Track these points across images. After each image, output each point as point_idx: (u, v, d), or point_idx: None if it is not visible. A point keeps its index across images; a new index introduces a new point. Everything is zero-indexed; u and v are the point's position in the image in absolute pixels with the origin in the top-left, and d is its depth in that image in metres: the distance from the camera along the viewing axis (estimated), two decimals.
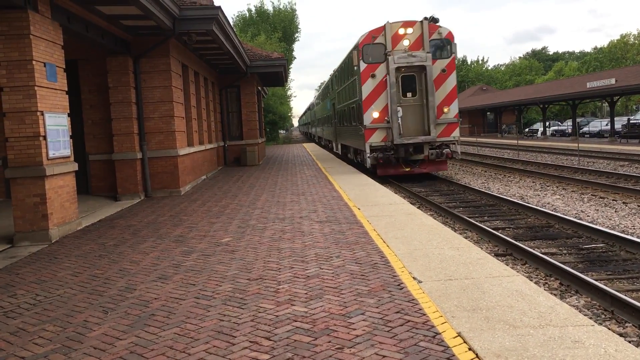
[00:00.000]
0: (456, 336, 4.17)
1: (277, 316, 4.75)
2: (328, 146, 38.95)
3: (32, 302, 5.62)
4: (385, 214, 9.68)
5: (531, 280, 6.48)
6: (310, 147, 41.44)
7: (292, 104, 68.88)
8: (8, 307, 5.47)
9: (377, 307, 4.84)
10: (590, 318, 5.72)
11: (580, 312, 5.39)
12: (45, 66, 8.99)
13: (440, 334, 4.22)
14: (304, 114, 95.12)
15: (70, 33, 10.64)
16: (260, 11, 58.14)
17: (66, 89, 9.79)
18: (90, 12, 11.12)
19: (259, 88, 29.41)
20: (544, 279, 7.30)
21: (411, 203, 12.90)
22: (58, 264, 7.26)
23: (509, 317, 4.47)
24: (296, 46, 60.39)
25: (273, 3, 62.11)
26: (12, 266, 7.34)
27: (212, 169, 21.02)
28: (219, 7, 13.54)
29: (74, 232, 9.62)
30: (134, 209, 12.14)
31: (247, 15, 58.17)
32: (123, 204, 13.10)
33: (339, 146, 31.83)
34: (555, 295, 6.47)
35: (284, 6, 59.65)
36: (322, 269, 6.23)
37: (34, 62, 8.65)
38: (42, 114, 8.83)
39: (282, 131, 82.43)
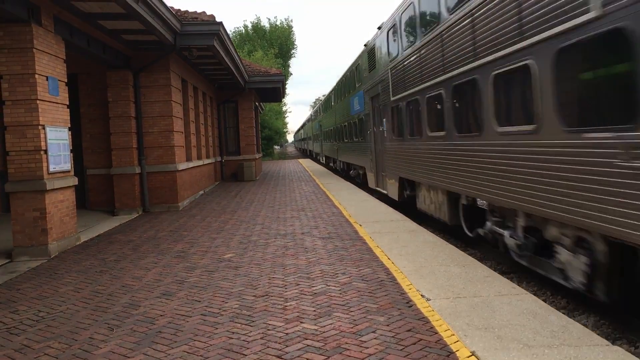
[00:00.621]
0: (470, 355, 4.11)
1: (287, 334, 4.68)
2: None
3: (34, 318, 5.52)
4: (387, 230, 9.63)
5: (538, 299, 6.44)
6: (306, 163, 41.42)
7: (287, 119, 68.99)
8: (11, 324, 5.37)
9: (387, 325, 4.78)
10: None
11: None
12: (47, 80, 8.96)
13: (454, 352, 4.16)
14: (300, 129, 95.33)
15: (72, 47, 10.63)
16: (257, 27, 58.50)
17: (67, 103, 9.75)
18: (92, 27, 11.12)
19: (257, 103, 29.47)
20: (550, 297, 7.26)
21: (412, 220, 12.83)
22: (59, 280, 7.16)
23: (522, 336, 4.42)
24: (291, 62, 60.63)
25: (270, 19, 62.46)
26: (12, 281, 7.23)
27: (210, 184, 20.94)
28: (221, 23, 13.58)
29: (72, 247, 9.51)
30: (133, 224, 12.04)
31: (244, 31, 58.49)
32: (121, 218, 13.00)
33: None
34: (564, 313, 6.42)
35: (280, 23, 60.05)
36: (329, 285, 6.17)
37: (36, 76, 8.62)
38: (44, 128, 8.78)
39: (277, 147, 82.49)
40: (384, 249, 8.03)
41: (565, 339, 4.31)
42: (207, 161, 20.02)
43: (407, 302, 5.43)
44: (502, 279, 6.16)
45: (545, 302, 7.02)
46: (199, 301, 5.82)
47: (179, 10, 14.23)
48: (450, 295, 5.60)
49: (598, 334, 5.45)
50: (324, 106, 37.52)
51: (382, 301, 5.51)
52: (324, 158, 40.90)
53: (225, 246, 8.87)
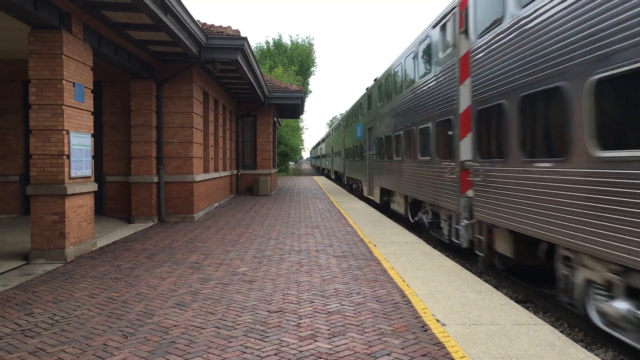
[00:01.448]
0: None
1: (300, 351, 4.64)
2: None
3: (49, 321, 5.54)
4: (402, 252, 9.57)
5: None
6: (321, 180, 41.47)
7: (303, 136, 69.34)
8: (26, 326, 5.40)
9: (402, 349, 4.73)
10: None
11: None
12: (74, 86, 9.09)
13: None
14: (316, 146, 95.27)
15: (99, 55, 10.79)
16: (278, 44, 59.04)
17: (92, 109, 9.87)
18: (120, 36, 11.29)
19: (275, 119, 29.64)
20: (567, 329, 7.14)
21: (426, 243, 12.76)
22: (74, 284, 7.19)
23: None
24: (310, 80, 61.06)
25: (291, 37, 63.06)
26: (28, 284, 7.27)
27: (225, 196, 21.02)
28: (245, 38, 13.73)
29: (89, 252, 9.57)
30: (148, 233, 12.09)
31: (265, 47, 59.05)
32: (137, 226, 13.07)
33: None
34: (581, 346, 6.30)
35: (302, 40, 60.55)
36: (343, 305, 6.13)
37: (63, 82, 8.75)
38: (68, 133, 8.89)
39: (291, 163, 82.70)
40: (399, 271, 7.97)
41: None
42: (223, 174, 20.11)
43: (422, 326, 5.37)
44: (519, 308, 6.08)
45: (563, 333, 6.91)
46: (213, 313, 5.80)
47: (205, 23, 14.42)
48: (467, 322, 5.53)
49: None
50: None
51: (397, 323, 5.45)
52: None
53: (239, 259, 8.87)
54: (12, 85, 13.90)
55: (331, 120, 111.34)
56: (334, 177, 47.55)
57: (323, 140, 69.23)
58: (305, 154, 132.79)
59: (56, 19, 8.60)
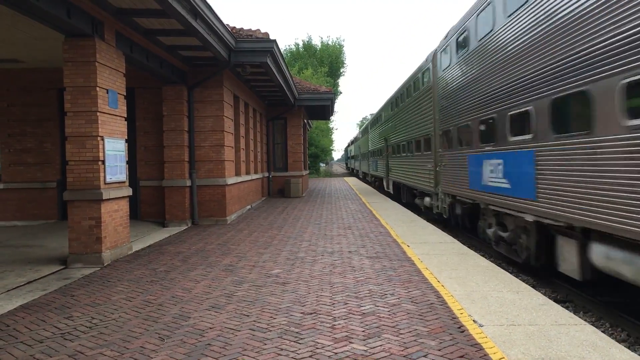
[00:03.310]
0: None
1: (335, 353, 4.61)
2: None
3: (87, 325, 5.63)
4: (436, 252, 9.46)
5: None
6: (352, 181, 41.38)
7: (333, 137, 69.34)
8: (65, 329, 5.49)
9: (439, 350, 4.65)
10: None
11: None
12: (107, 93, 9.24)
13: None
14: (348, 146, 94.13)
15: (131, 62, 10.96)
16: (308, 46, 59.15)
17: (125, 115, 10.02)
18: (151, 42, 11.45)
19: (305, 121, 29.68)
20: (609, 329, 6.94)
21: (462, 243, 12.59)
22: (111, 288, 7.30)
23: None
24: (339, 81, 61.01)
25: (322, 38, 63.04)
26: (67, 287, 7.41)
27: (257, 199, 21.12)
28: (274, 41, 13.77)
29: (125, 256, 9.71)
30: (182, 236, 12.22)
31: (295, 49, 59.24)
32: (170, 230, 13.22)
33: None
34: (624, 346, 6.12)
35: (332, 41, 60.56)
36: (378, 306, 6.07)
37: (97, 89, 8.90)
38: (102, 139, 9.04)
39: (322, 164, 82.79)
40: (433, 271, 7.87)
41: None
42: (255, 176, 20.22)
43: (459, 327, 5.28)
44: (559, 308, 5.93)
45: (604, 333, 6.72)
46: (248, 315, 5.81)
47: (234, 27, 14.51)
48: (504, 322, 5.42)
49: None
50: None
51: (433, 325, 5.37)
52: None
53: (272, 262, 8.88)
54: (48, 93, 14.24)
55: (361, 121, 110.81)
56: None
57: (352, 142, 75.24)
58: (336, 155, 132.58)
59: (89, 27, 8.76)
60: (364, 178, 47.64)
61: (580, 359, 4.41)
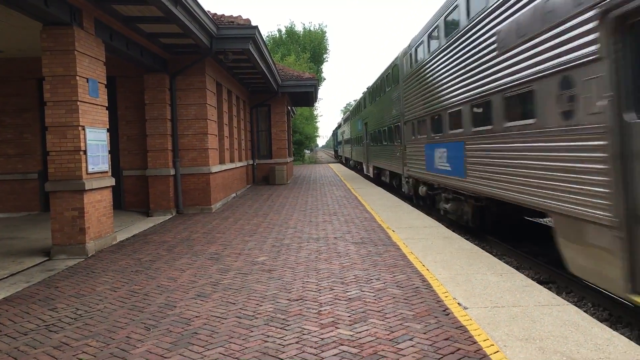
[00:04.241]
0: None
1: (322, 339, 4.63)
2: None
3: (72, 316, 5.59)
4: (421, 236, 9.52)
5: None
6: (337, 168, 41.44)
7: (317, 124, 69.12)
8: (49, 321, 5.46)
9: (424, 333, 4.70)
10: None
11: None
12: (87, 82, 9.12)
13: None
14: (336, 130, 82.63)
15: (111, 50, 10.82)
16: (291, 32, 58.78)
17: (106, 104, 9.91)
18: (131, 30, 11.30)
19: (289, 108, 29.58)
20: (591, 309, 7.06)
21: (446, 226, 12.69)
22: (96, 278, 7.26)
23: (565, 348, 4.28)
24: (323, 67, 60.81)
25: (304, 24, 62.61)
26: (51, 279, 7.36)
27: (242, 186, 21.07)
28: (256, 27, 13.66)
29: (109, 246, 9.65)
30: (167, 225, 12.16)
31: (277, 35, 58.85)
32: (155, 219, 13.16)
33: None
34: (606, 325, 6.23)
35: (314, 27, 60.24)
36: (364, 291, 6.11)
37: (77, 78, 8.78)
38: (84, 129, 8.94)
39: (307, 151, 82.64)
40: (418, 256, 7.93)
41: (611, 352, 4.16)
42: (239, 164, 20.15)
43: (444, 310, 5.33)
44: (542, 289, 6.01)
45: (587, 313, 6.83)
46: (234, 303, 5.82)
47: (215, 14, 14.36)
48: (489, 304, 5.48)
49: None
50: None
51: (418, 308, 5.42)
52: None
53: (258, 249, 8.88)
54: (27, 83, 14.02)
55: (345, 107, 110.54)
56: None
57: (337, 128, 75.01)
58: (321, 142, 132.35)
59: (67, 15, 8.61)
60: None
61: (563, 339, 4.48)
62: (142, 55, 12.31)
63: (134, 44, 11.71)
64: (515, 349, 4.30)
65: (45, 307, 5.99)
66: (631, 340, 5.88)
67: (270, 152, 25.75)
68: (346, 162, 51.08)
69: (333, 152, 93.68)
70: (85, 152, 8.95)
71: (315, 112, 62.00)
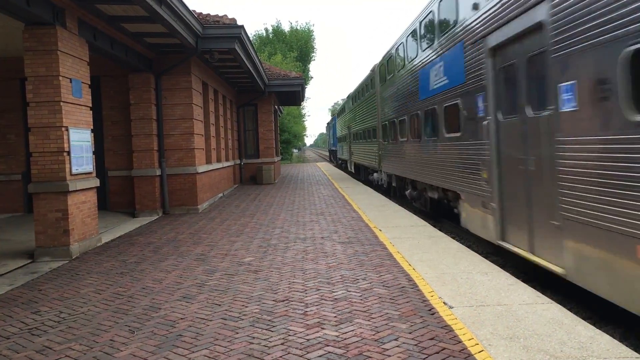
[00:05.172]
0: None
1: (307, 340, 4.63)
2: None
3: (56, 319, 5.54)
4: (407, 236, 9.54)
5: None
6: (325, 167, 41.46)
7: (305, 123, 69.05)
8: (32, 324, 5.40)
9: (410, 333, 4.70)
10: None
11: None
12: (71, 82, 9.03)
13: None
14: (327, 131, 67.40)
15: (95, 49, 10.72)
16: (277, 31, 58.64)
17: (90, 105, 9.82)
18: (115, 30, 11.21)
19: (276, 107, 29.52)
20: (575, 307, 7.11)
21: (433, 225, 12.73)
22: (80, 281, 7.19)
23: (549, 346, 4.31)
24: (310, 66, 60.69)
25: (291, 23, 62.50)
26: (34, 282, 7.28)
27: (229, 186, 21.00)
28: (242, 27, 13.61)
29: (94, 248, 9.57)
30: (153, 226, 12.09)
31: (264, 34, 58.68)
32: (141, 220, 13.07)
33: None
34: (589, 324, 6.28)
35: (301, 26, 60.14)
36: (350, 291, 6.11)
37: (60, 78, 8.70)
38: (67, 130, 8.85)
39: (295, 150, 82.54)
40: (405, 255, 7.94)
41: (594, 350, 4.20)
42: (226, 164, 20.08)
43: (430, 310, 5.34)
44: (527, 287, 6.05)
45: (571, 311, 6.87)
46: (219, 305, 5.79)
47: (201, 13, 14.29)
48: (474, 303, 5.50)
49: (627, 346, 5.32)
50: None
51: (404, 308, 5.43)
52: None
53: (244, 249, 8.86)
54: (10, 83, 13.86)
55: (333, 106, 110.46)
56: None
57: (338, 116, 75.83)
58: (309, 141, 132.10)
59: (50, 15, 8.52)
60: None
61: (546, 337, 4.50)
62: (127, 55, 12.21)
63: (118, 43, 11.62)
64: (499, 347, 4.32)
65: (28, 310, 5.93)
66: (614, 338, 5.94)
67: (258, 152, 25.69)
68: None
69: (328, 154, 79.81)
70: (68, 153, 8.87)
71: (303, 112, 61.90)
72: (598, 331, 4.64)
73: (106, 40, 10.93)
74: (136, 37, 12.31)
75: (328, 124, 57.95)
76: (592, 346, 4.29)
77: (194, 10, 13.23)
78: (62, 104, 8.71)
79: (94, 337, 4.92)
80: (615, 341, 4.42)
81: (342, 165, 43.42)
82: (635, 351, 5.44)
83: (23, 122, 13.53)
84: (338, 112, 48.94)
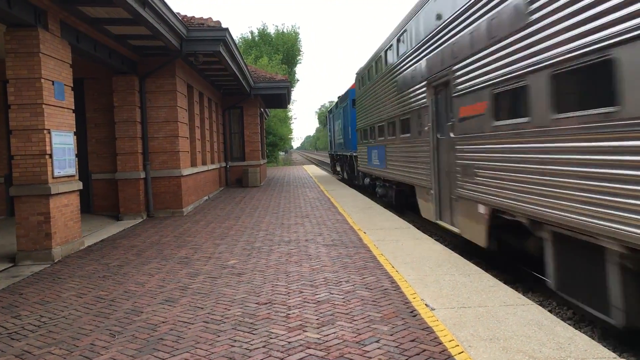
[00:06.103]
0: None
1: (289, 342, 4.63)
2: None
3: (36, 323, 5.49)
4: (391, 238, 9.58)
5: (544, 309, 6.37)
6: (311, 170, 41.45)
7: (292, 126, 69.13)
8: (12, 329, 5.35)
9: (391, 335, 4.73)
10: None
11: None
12: (53, 84, 8.97)
13: None
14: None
15: (78, 52, 10.66)
16: (263, 34, 58.62)
17: (73, 107, 9.76)
18: (99, 32, 11.15)
19: (262, 110, 29.50)
20: (556, 308, 7.19)
21: (417, 228, 12.78)
22: (62, 285, 7.13)
23: (528, 347, 4.36)
24: (297, 69, 60.71)
25: (276, 26, 62.60)
26: (15, 286, 7.21)
27: (214, 189, 20.94)
28: (227, 29, 13.60)
29: (76, 251, 9.50)
30: (137, 229, 12.02)
31: (250, 37, 58.63)
32: (125, 223, 12.99)
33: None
34: (569, 324, 6.35)
35: (287, 29, 60.18)
36: (332, 294, 6.12)
37: (42, 80, 8.63)
38: (49, 132, 8.78)
39: (282, 153, 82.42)
40: (388, 257, 7.98)
41: (572, 351, 4.25)
42: (211, 167, 20.02)
43: (411, 312, 5.37)
44: (508, 289, 6.10)
45: (551, 312, 6.95)
46: (202, 308, 5.78)
47: (185, 16, 14.27)
48: (455, 305, 5.54)
49: (605, 346, 5.39)
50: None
51: (386, 310, 5.45)
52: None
53: (228, 252, 8.84)
54: None
55: (320, 109, 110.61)
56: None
57: (320, 131, 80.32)
58: (296, 144, 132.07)
59: (32, 17, 8.46)
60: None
61: (526, 338, 4.55)
62: (111, 57, 12.15)
63: (101, 46, 11.55)
64: (479, 349, 4.36)
65: (8, 314, 5.87)
66: (592, 339, 6.02)
67: (244, 154, 25.64)
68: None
69: (324, 160, 70.45)
70: (51, 155, 8.80)
71: (290, 114, 61.90)
72: (577, 332, 4.69)
73: (89, 43, 10.87)
74: (120, 39, 12.26)
75: (330, 111, 39.68)
76: (570, 347, 4.34)
77: (179, 13, 13.20)
78: (44, 106, 8.65)
79: (74, 341, 4.88)
80: (594, 342, 4.48)
81: (369, 187, 21.10)
82: (613, 351, 5.53)
83: (4, 125, 13.40)
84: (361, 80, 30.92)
